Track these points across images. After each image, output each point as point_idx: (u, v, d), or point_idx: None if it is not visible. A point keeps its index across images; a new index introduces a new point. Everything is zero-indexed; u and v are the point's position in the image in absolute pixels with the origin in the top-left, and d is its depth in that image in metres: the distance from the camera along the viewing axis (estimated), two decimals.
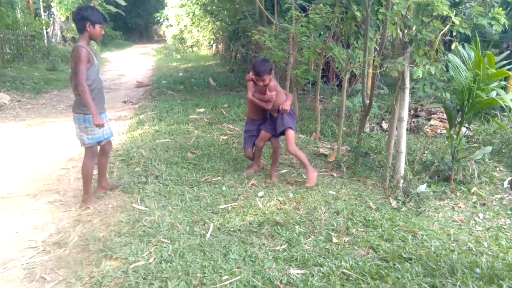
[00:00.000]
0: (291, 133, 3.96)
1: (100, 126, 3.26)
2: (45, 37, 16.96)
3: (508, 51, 4.63)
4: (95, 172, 3.80)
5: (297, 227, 3.10)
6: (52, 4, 18.80)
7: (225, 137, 5.52)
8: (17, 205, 3.61)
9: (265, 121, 4.17)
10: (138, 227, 3.10)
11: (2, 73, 10.99)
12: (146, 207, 3.45)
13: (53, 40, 17.99)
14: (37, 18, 17.15)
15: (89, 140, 3.41)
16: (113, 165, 4.47)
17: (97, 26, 3.28)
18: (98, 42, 17.30)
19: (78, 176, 4.28)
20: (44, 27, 17.00)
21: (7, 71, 11.54)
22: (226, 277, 2.47)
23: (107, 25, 23.50)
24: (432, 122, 6.37)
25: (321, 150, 5.12)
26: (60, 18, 18.86)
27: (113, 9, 21.32)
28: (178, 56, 19.06)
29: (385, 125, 6.19)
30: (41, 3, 18.52)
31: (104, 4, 21.01)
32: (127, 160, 4.63)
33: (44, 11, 19.77)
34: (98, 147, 3.59)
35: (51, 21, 18.88)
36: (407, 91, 3.85)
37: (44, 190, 3.94)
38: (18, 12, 16.99)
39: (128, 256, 2.68)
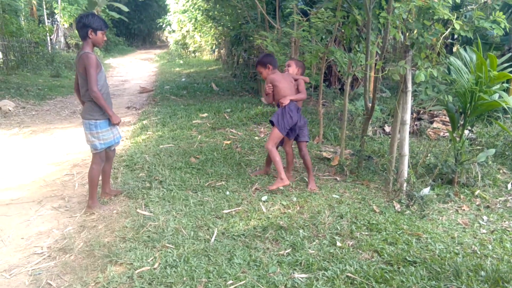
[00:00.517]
0: (273, 130, 3.92)
1: (118, 124, 3.48)
2: (49, 44, 17.12)
3: (510, 54, 4.61)
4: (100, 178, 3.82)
5: (301, 231, 3.10)
6: (56, 11, 18.99)
7: (228, 142, 5.54)
8: (22, 211, 3.64)
9: None
10: (143, 233, 3.11)
11: (7, 80, 11.09)
12: (151, 212, 3.46)
13: (56, 46, 18.14)
14: (41, 25, 17.35)
15: (101, 145, 3.46)
16: (117, 171, 4.50)
17: (99, 33, 3.34)
18: (101, 48, 17.41)
19: (82, 182, 4.31)
20: (48, 34, 17.17)
21: (11, 78, 11.64)
22: (230, 281, 2.48)
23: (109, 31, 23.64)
24: (434, 125, 6.36)
25: (324, 154, 5.13)
26: (63, 25, 19.04)
27: (116, 15, 21.55)
28: (181, 62, 19.14)
29: (387, 129, 6.19)
30: (44, 10, 18.73)
31: (107, 10, 21.23)
32: (131, 165, 4.66)
33: (48, 18, 19.98)
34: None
35: (55, 28, 19.07)
36: (410, 94, 3.85)
37: (49, 196, 3.97)
38: (22, 19, 17.20)
39: (133, 262, 2.69)
